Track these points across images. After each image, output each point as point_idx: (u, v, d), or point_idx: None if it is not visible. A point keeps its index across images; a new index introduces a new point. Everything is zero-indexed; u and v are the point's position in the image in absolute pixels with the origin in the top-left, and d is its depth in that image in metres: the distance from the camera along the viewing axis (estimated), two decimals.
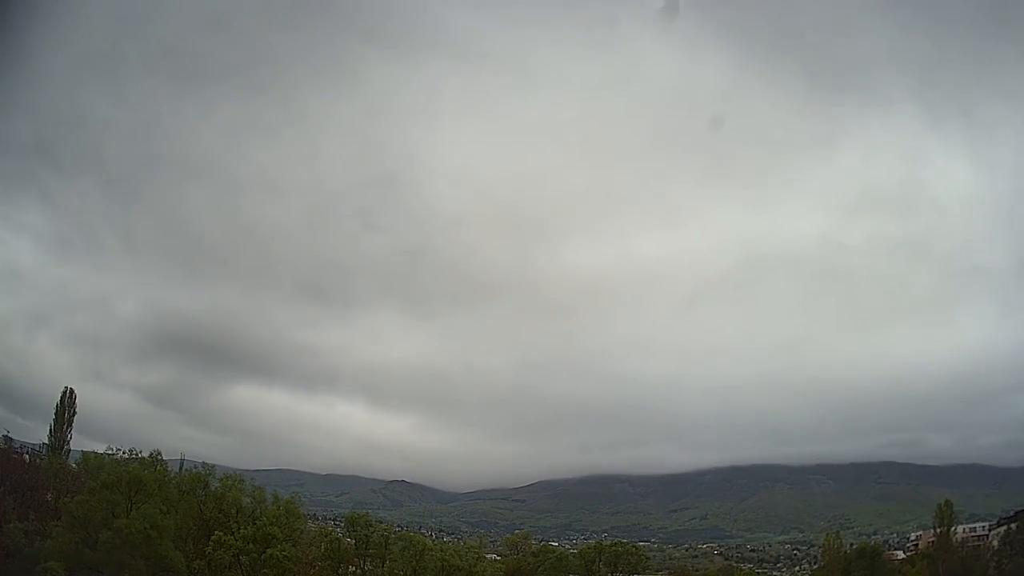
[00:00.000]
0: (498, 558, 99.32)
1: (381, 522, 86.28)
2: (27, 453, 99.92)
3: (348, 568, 75.49)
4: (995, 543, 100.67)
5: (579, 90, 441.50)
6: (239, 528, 62.88)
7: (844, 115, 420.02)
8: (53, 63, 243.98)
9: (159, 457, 72.13)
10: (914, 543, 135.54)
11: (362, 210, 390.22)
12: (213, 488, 68.52)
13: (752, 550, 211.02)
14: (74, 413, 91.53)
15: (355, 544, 75.64)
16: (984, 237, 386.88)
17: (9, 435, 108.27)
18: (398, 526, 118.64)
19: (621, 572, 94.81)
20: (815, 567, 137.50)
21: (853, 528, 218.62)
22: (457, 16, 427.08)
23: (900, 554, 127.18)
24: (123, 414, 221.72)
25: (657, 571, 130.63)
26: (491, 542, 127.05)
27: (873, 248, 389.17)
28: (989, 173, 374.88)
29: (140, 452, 70.15)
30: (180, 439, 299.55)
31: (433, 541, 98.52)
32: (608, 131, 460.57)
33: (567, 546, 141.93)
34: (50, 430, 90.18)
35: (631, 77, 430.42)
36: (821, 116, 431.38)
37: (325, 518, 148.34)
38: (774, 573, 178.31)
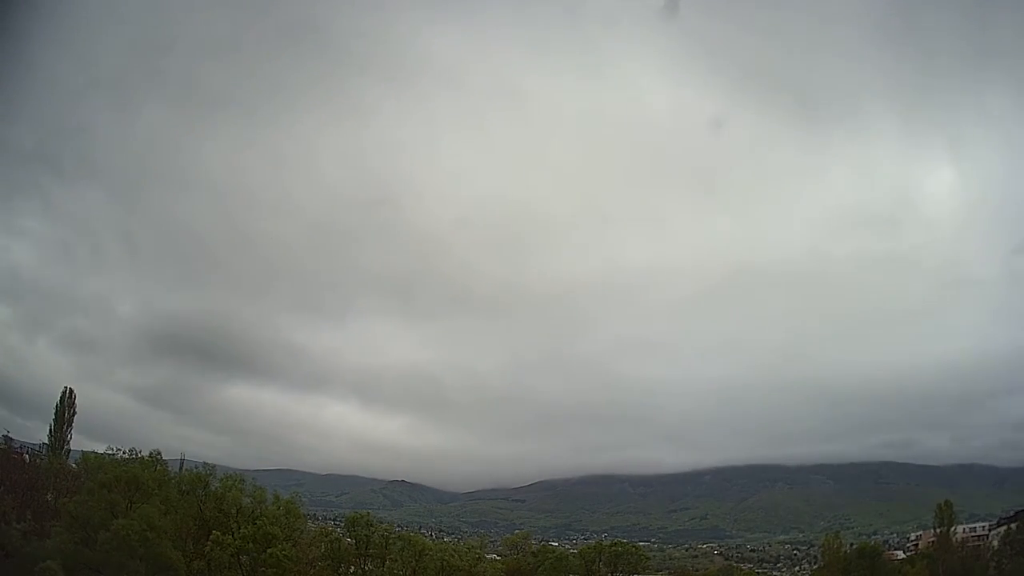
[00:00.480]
0: (498, 558, 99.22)
1: (381, 522, 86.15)
2: (27, 453, 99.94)
3: (348, 568, 75.40)
4: (995, 543, 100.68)
5: (573, 112, 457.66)
6: (239, 528, 62.87)
7: (833, 138, 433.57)
8: (60, 75, 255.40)
9: (159, 457, 72.01)
10: (914, 543, 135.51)
11: (359, 222, 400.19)
12: (213, 488, 68.45)
13: (752, 550, 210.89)
14: (74, 413, 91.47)
15: (355, 544, 75.59)
16: (971, 251, 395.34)
17: (9, 435, 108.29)
18: (398, 526, 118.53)
19: (621, 572, 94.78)
20: (815, 567, 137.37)
21: (853, 528, 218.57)
22: (455, 50, 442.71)
23: (900, 554, 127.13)
24: (122, 415, 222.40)
25: (657, 571, 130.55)
26: (491, 542, 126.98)
27: (864, 262, 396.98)
28: (974, 192, 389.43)
29: (140, 452, 70.09)
30: (180, 440, 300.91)
31: (433, 541, 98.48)
32: (601, 150, 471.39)
33: (567, 546, 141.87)
34: (50, 430, 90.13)
35: (625, 100, 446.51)
36: (811, 139, 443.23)
37: (325, 518, 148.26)
38: (774, 573, 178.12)
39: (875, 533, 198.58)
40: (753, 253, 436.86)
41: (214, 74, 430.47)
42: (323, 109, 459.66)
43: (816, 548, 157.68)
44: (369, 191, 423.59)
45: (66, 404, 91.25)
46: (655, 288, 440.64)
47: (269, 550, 60.92)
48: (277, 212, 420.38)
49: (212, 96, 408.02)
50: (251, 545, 61.26)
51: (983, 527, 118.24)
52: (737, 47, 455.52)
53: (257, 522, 63.28)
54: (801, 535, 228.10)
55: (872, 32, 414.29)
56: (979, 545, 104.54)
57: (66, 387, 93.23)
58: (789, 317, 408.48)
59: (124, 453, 69.37)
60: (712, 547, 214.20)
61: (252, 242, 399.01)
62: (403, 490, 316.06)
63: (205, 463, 74.59)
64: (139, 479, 62.16)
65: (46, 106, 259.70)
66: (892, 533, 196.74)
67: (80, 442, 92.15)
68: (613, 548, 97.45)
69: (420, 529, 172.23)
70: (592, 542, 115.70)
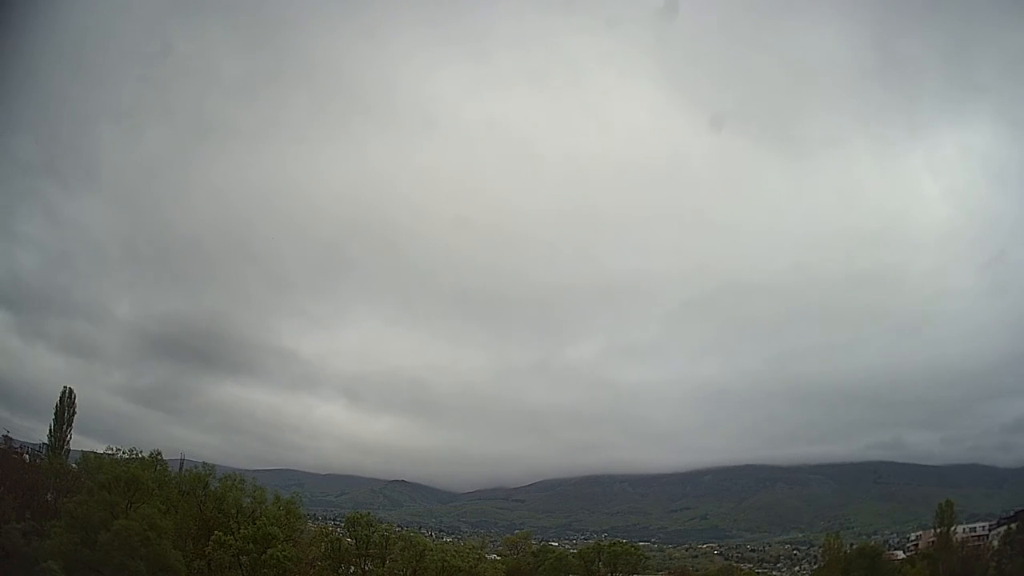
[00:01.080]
0: (498, 558, 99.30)
1: (381, 522, 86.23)
2: (27, 453, 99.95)
3: (348, 568, 75.46)
4: (995, 543, 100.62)
5: (567, 127, 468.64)
6: (239, 528, 62.85)
7: (819, 161, 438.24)
8: (68, 95, 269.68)
9: (159, 457, 71.93)
10: (914, 543, 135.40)
11: (353, 230, 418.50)
12: (213, 488, 68.42)
13: (752, 550, 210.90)
14: (74, 413, 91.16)
15: (355, 544, 75.63)
16: (953, 264, 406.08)
17: (9, 435, 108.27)
18: (398, 526, 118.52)
19: (620, 572, 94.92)
20: (815, 567, 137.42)
21: (853, 528, 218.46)
22: (449, 77, 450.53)
23: (900, 554, 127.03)
24: (120, 416, 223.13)
25: (657, 571, 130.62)
26: (491, 542, 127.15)
27: (851, 278, 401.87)
28: (954, 209, 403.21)
29: (140, 452, 69.98)
30: (179, 440, 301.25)
31: (433, 541, 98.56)
32: (592, 164, 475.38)
33: (567, 546, 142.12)
34: (50, 430, 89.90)
35: (619, 119, 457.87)
36: (797, 160, 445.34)
37: (325, 518, 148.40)
38: (774, 573, 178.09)
39: (875, 533, 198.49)
40: (741, 268, 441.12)
41: (217, 99, 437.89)
42: (320, 126, 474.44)
43: (816, 548, 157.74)
44: (364, 202, 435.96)
45: (66, 404, 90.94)
46: (646, 298, 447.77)
47: (269, 550, 60.93)
48: (272, 220, 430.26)
49: (214, 118, 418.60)
50: (251, 546, 61.26)
51: (983, 527, 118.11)
52: (728, 71, 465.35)
53: (257, 522, 63.30)
54: (801, 535, 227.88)
55: (858, 59, 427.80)
56: (979, 545, 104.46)
57: (66, 387, 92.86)
58: (781, 326, 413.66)
59: (124, 453, 69.25)
60: (712, 547, 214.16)
61: (249, 248, 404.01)
62: (403, 490, 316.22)
63: (205, 463, 74.69)
64: (139, 479, 62.07)
65: (54, 122, 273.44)
66: (892, 533, 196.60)
67: (80, 442, 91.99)
68: (612, 548, 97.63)
69: (420, 529, 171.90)
70: (592, 542, 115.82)
